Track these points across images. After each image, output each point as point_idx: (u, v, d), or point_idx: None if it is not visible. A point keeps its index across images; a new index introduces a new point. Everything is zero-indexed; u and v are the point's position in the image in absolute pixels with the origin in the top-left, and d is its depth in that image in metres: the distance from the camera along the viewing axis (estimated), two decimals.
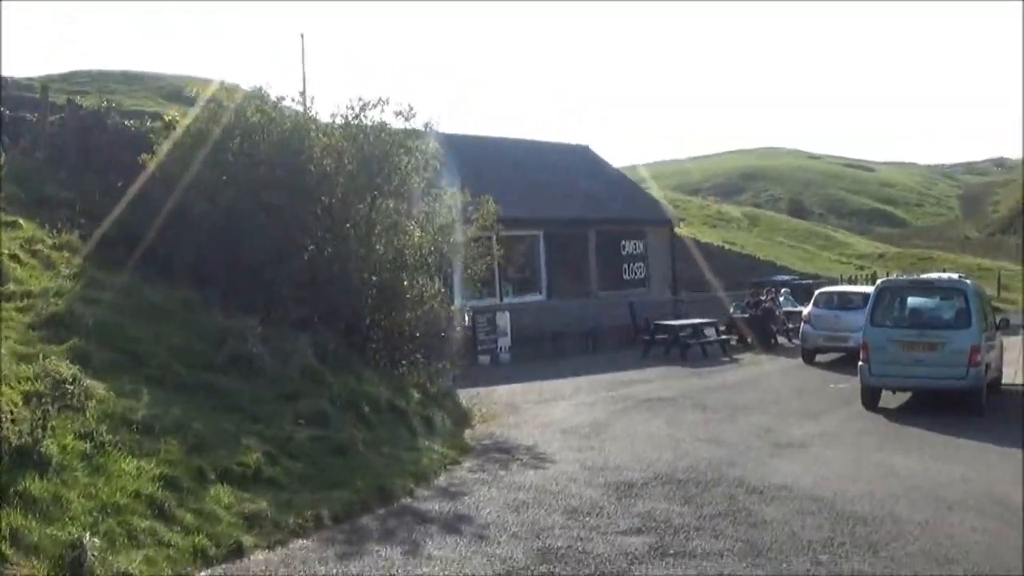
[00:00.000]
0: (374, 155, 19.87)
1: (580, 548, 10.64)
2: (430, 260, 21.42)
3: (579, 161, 43.91)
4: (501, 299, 35.66)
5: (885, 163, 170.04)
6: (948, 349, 20.44)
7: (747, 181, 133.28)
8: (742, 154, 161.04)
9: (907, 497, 12.98)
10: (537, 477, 13.95)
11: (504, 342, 31.77)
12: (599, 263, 39.78)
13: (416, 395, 18.28)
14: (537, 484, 13.45)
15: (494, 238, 32.86)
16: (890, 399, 21.66)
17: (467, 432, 17.91)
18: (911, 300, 22.52)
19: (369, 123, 20.27)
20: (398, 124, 20.66)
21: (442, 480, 13.81)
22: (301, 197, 19.36)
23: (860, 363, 21.32)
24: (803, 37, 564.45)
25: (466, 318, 30.00)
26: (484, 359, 30.75)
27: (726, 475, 14.32)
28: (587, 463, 15.01)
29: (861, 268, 64.66)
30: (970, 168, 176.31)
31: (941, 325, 21.39)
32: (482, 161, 36.80)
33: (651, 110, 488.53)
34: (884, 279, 23.46)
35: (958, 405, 20.31)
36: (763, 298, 37.13)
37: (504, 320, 31.97)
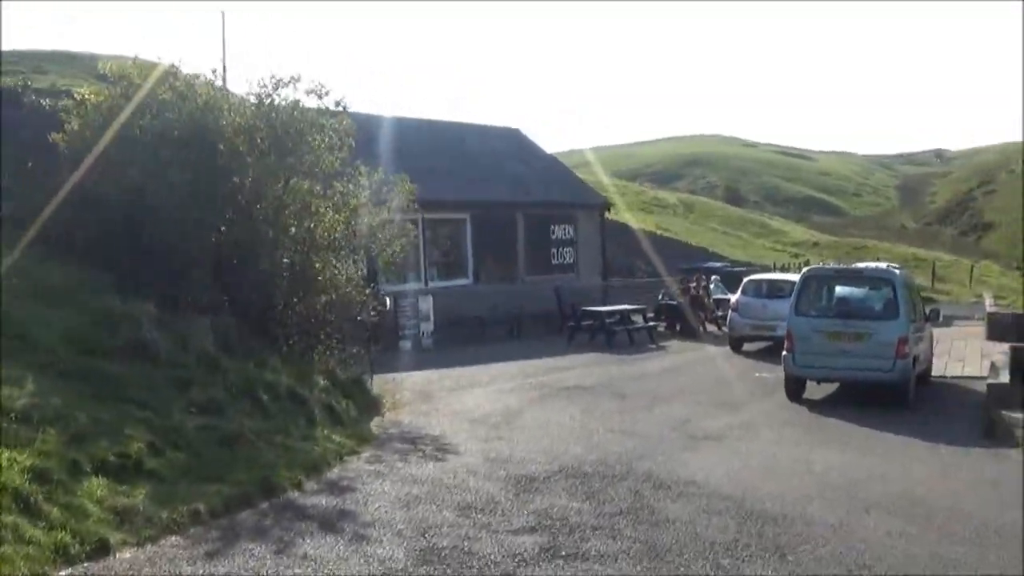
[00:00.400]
0: (287, 133, 19.27)
1: (466, 548, 9.98)
2: (343, 242, 20.80)
3: (509, 144, 43.11)
4: (426, 283, 35.03)
5: (824, 152, 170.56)
6: (875, 340, 19.86)
7: (685, 168, 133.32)
8: (680, 141, 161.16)
9: (822, 496, 12.37)
10: (436, 469, 13.39)
11: (427, 327, 31.06)
12: (527, 247, 39.02)
13: (322, 382, 17.51)
14: (434, 477, 12.89)
15: (420, 220, 32.70)
16: (815, 390, 21.14)
17: (375, 420, 17.31)
18: (837, 289, 21.95)
19: (282, 102, 19.66)
20: (311, 102, 20.16)
21: (335, 472, 13.12)
22: (210, 177, 18.53)
23: (784, 353, 20.75)
24: (745, 28, 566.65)
25: (387, 302, 29.24)
26: (406, 344, 29.96)
27: (635, 469, 13.69)
28: (491, 455, 14.45)
29: (796, 256, 64.45)
30: (909, 159, 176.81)
31: (868, 315, 20.84)
32: (406, 143, 36.13)
33: (592, 96, 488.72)
34: (809, 267, 22.84)
35: (884, 397, 19.82)
36: (691, 285, 36.51)
37: (427, 305, 31.25)
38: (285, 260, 19.71)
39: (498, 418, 17.84)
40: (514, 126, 45.55)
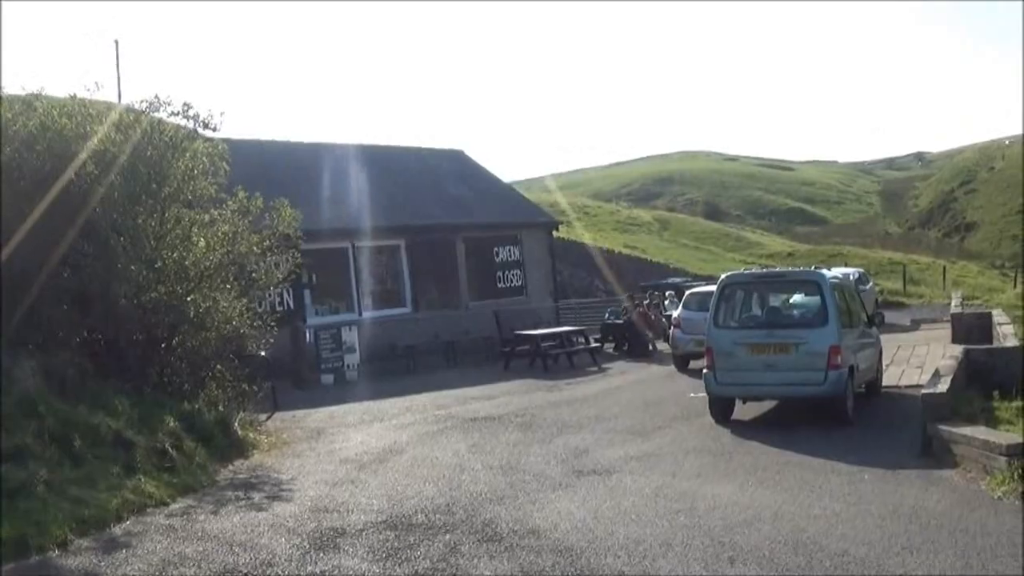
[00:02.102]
0: (144, 159, 17.84)
1: None
2: (218, 272, 19.27)
3: (451, 166, 41.37)
4: (360, 313, 33.24)
5: (804, 162, 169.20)
6: (803, 351, 17.75)
7: (663, 186, 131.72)
8: (660, 159, 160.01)
9: (686, 544, 10.33)
10: (239, 522, 11.78)
11: (352, 359, 29.24)
12: (470, 272, 37.19)
13: (172, 424, 15.54)
14: (229, 532, 11.29)
15: (351, 248, 30.99)
16: (750, 408, 19.34)
17: (233, 465, 15.82)
18: (759, 297, 19.89)
19: (144, 127, 18.27)
20: (184, 123, 19.16)
21: (121, 528, 11.55)
22: (64, 209, 16.94)
23: (704, 371, 18.71)
24: (722, 43, 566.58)
25: (307, 335, 27.54)
26: (327, 378, 28.26)
27: (477, 516, 11.83)
28: (325, 502, 12.83)
29: (766, 268, 62.44)
30: (890, 164, 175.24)
31: (794, 324, 18.86)
32: (333, 169, 35.47)
33: (566, 120, 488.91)
34: (728, 273, 20.66)
35: (825, 413, 17.89)
36: (637, 302, 34.58)
37: (351, 336, 29.43)
38: (154, 295, 18.04)
39: (373, 457, 16.17)
40: (458, 148, 43.51)
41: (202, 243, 18.96)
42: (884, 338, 30.04)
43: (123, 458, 13.96)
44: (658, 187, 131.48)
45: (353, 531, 11.27)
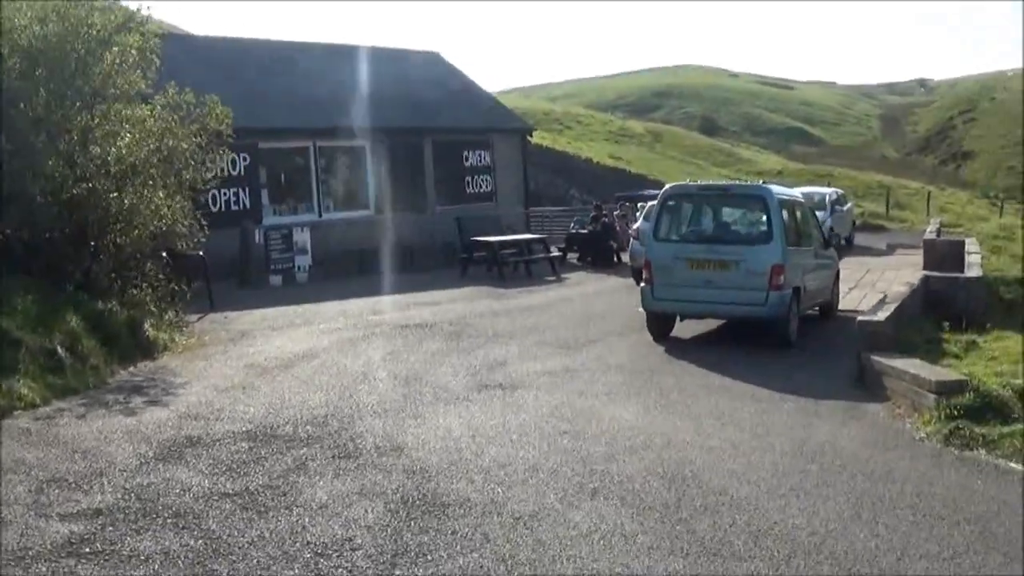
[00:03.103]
0: (69, 54, 17.34)
1: None
2: (144, 168, 18.43)
3: (426, 69, 40.19)
4: (320, 214, 32.61)
5: (806, 82, 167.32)
6: (743, 269, 16.97)
7: (662, 98, 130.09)
8: (660, 72, 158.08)
9: (552, 471, 9.52)
10: (102, 427, 11.28)
11: (303, 261, 28.61)
12: (438, 176, 36.34)
13: (74, 323, 15.01)
14: (82, 438, 10.77)
15: (312, 148, 30.32)
16: (695, 326, 18.64)
17: (135, 367, 15.23)
18: (703, 210, 18.96)
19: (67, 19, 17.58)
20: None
21: None
22: None
23: (642, 284, 17.96)
24: None
25: (257, 235, 26.80)
26: (276, 279, 27.64)
27: (349, 429, 11.17)
28: (200, 409, 12.21)
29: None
30: (892, 88, 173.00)
31: (736, 240, 17.96)
32: (297, 67, 35.00)
33: (568, 26, 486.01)
34: (671, 185, 19.81)
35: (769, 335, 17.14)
36: (605, 213, 33.73)
37: (303, 238, 28.82)
38: (76, 192, 17.34)
39: (281, 363, 15.55)
40: (435, 50, 42.52)
41: (128, 138, 18.11)
42: (856, 261, 29.69)
43: (5, 358, 13.25)
44: (656, 100, 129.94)
45: (209, 441, 10.67)
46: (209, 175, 20.07)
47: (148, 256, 19.20)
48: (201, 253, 21.84)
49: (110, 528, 7.94)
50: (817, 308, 19.78)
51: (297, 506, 8.51)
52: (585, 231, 34.07)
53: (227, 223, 27.73)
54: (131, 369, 15.14)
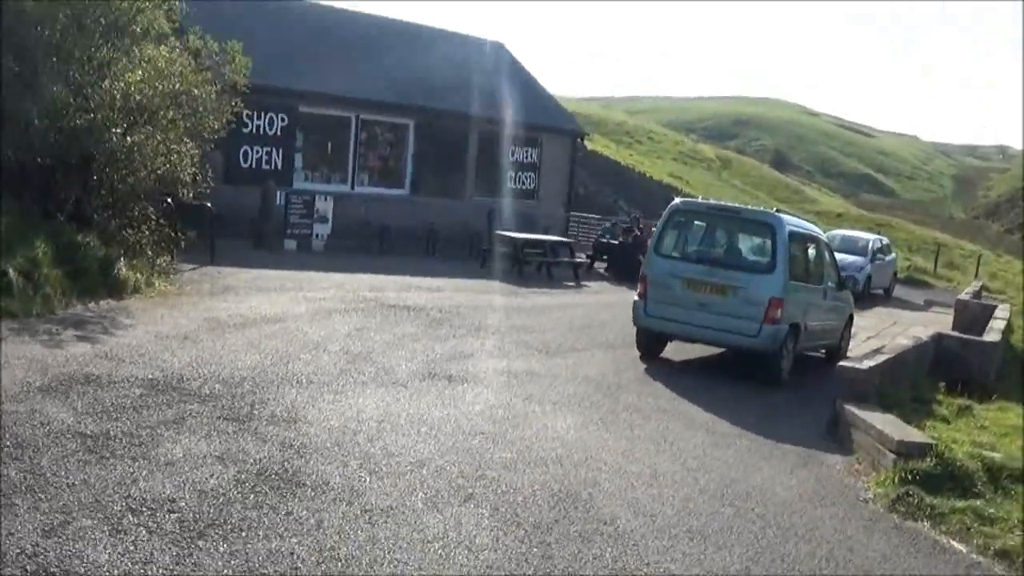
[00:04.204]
0: None
1: None
2: (149, 109, 18.05)
3: (486, 58, 39.58)
4: (353, 186, 32.11)
5: (885, 131, 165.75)
6: (740, 296, 16.26)
7: (739, 127, 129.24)
8: (742, 101, 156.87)
9: (437, 471, 8.96)
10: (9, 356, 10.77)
11: (322, 229, 28.09)
12: (480, 165, 35.71)
13: (40, 251, 14.80)
14: None
15: (354, 120, 29.99)
16: (692, 350, 18.00)
17: (95, 304, 14.90)
18: (706, 230, 18.30)
19: None
20: None
21: None
22: None
23: (635, 299, 17.31)
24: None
25: (278, 197, 26.43)
26: (291, 244, 27.15)
27: (255, 395, 10.77)
28: (124, 353, 11.91)
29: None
30: (972, 151, 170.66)
31: (737, 265, 17.21)
32: (349, 37, 34.49)
33: (660, 45, 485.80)
34: (679, 199, 19.16)
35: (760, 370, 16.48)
36: (641, 227, 33.10)
37: (326, 206, 28.29)
38: (79, 122, 16.87)
39: (241, 322, 15.07)
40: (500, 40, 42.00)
41: (138, 74, 17.67)
42: (888, 311, 29.03)
43: None
44: (734, 128, 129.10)
45: (106, 382, 10.27)
46: (217, 125, 19.48)
47: (149, 199, 18.77)
48: (208, 204, 21.53)
49: None
50: (821, 351, 18.97)
51: (144, 458, 8.06)
52: (615, 242, 33.37)
53: (254, 181, 27.48)
54: (90, 305, 14.79)
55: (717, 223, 18.36)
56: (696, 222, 18.36)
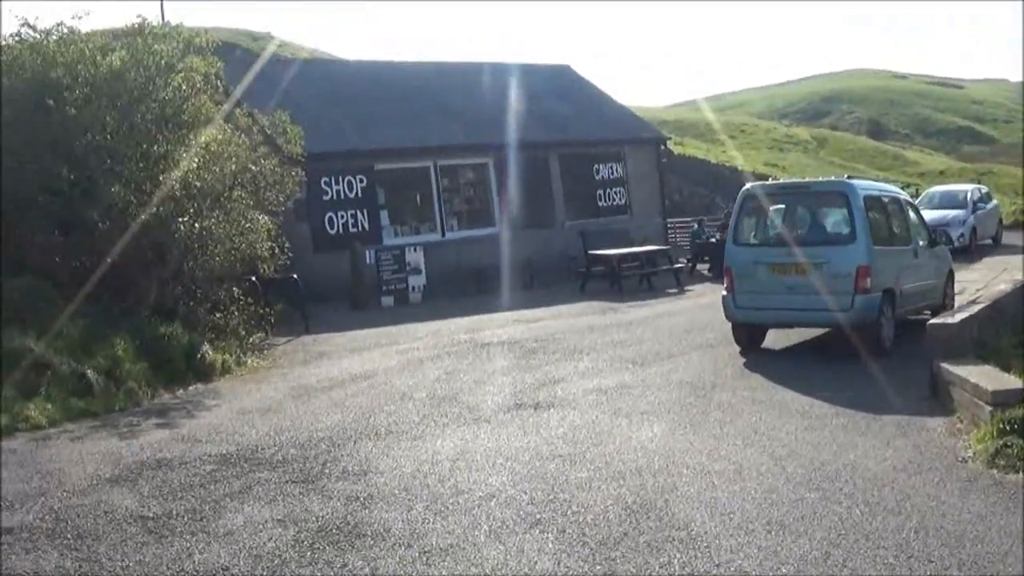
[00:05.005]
0: (130, 81, 17.49)
1: None
2: (225, 194, 18.67)
3: (553, 83, 39.46)
4: (443, 233, 32.01)
5: (975, 80, 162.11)
6: (827, 271, 15.84)
7: (830, 104, 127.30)
8: (828, 77, 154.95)
9: (505, 502, 8.76)
10: (73, 453, 11.06)
11: (417, 281, 28.07)
12: (567, 190, 35.39)
13: (120, 348, 15.02)
14: (44, 462, 10.60)
15: (433, 167, 30.09)
16: (790, 334, 17.74)
17: (183, 390, 15.26)
18: (781, 210, 17.82)
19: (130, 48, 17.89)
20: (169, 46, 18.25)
21: None
22: (47, 137, 16.84)
23: (723, 293, 17.03)
24: None
25: (367, 256, 26.59)
26: (387, 300, 27.21)
27: (331, 452, 10.82)
28: (202, 433, 12.07)
29: (907, 185, 59.49)
30: None
31: (818, 241, 16.75)
32: (411, 87, 34.31)
33: (737, 36, 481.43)
34: (749, 184, 18.73)
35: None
36: None
37: (416, 257, 28.30)
38: (144, 217, 17.13)
39: (328, 385, 15.12)
40: (565, 63, 41.98)
41: (196, 162, 17.98)
42: (998, 260, 28.06)
43: (30, 382, 13.38)
44: (825, 105, 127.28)
45: (176, 464, 10.41)
46: (282, 197, 19.68)
47: (231, 280, 18.96)
48: (294, 276, 21.70)
49: (4, 547, 7.77)
50: (928, 312, 18.45)
51: (203, 532, 8.10)
52: (713, 240, 32.97)
53: (343, 246, 27.69)
54: (178, 392, 15.05)
55: (790, 201, 17.90)
56: (769, 205, 17.93)
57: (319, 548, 7.63)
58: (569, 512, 8.39)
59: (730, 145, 66.80)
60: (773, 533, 7.73)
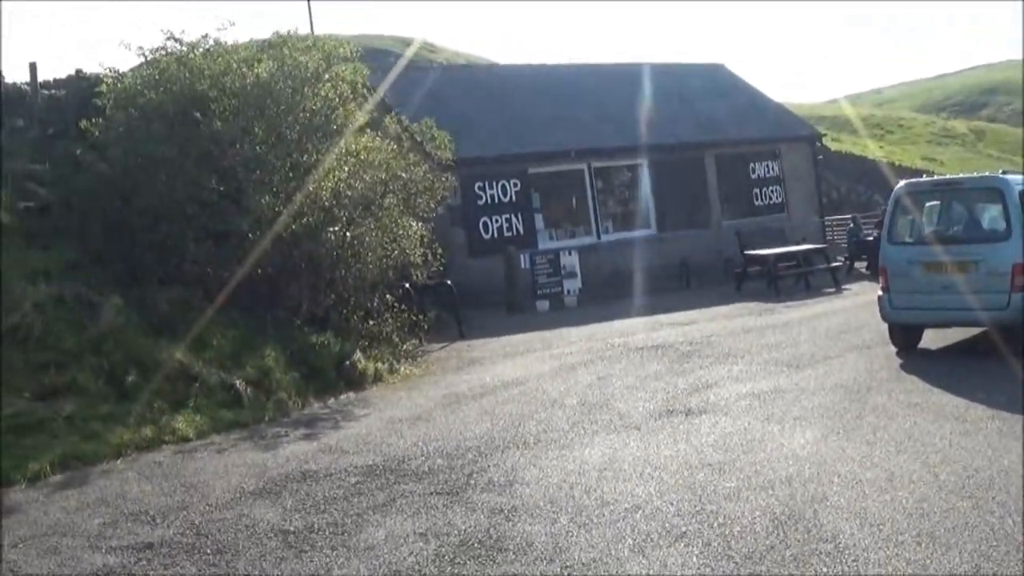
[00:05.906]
0: (275, 93, 17.61)
1: None
2: (377, 202, 18.74)
3: (706, 82, 39.11)
4: (599, 236, 32.01)
5: None
6: (983, 269, 15.33)
7: (988, 96, 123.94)
8: (986, 69, 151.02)
9: (650, 514, 8.60)
10: (218, 465, 11.26)
11: (572, 284, 28.00)
12: (722, 190, 35.14)
13: (270, 358, 15.27)
14: (188, 474, 10.80)
15: (587, 169, 29.99)
16: (948, 334, 17.13)
17: (334, 399, 15.39)
18: (936, 208, 17.30)
19: (275, 60, 18.16)
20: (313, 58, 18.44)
21: (107, 466, 11.33)
22: (195, 149, 17.21)
23: (879, 293, 16.65)
24: None
25: (522, 261, 26.59)
26: (543, 304, 27.21)
27: (476, 464, 10.68)
28: (349, 444, 12.10)
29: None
30: None
31: (972, 238, 16.27)
32: (565, 91, 34.42)
33: (895, 28, 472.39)
34: (904, 182, 18.24)
35: None
36: None
37: (571, 261, 28.26)
38: (295, 227, 17.49)
39: (480, 391, 15.13)
40: (719, 61, 41.59)
41: (345, 170, 18.12)
42: None
43: (179, 393, 13.58)
44: (983, 98, 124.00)
45: (321, 476, 10.47)
46: (433, 203, 19.77)
47: (385, 287, 19.05)
48: (448, 282, 21.77)
49: (143, 562, 7.85)
50: None
51: (343, 547, 8.08)
52: (870, 238, 32.29)
53: (498, 250, 27.75)
54: (329, 401, 15.15)
55: (943, 198, 17.38)
56: (922, 202, 17.44)
57: (459, 563, 7.56)
58: (715, 524, 8.19)
59: (887, 140, 65.57)
60: (922, 546, 7.40)
